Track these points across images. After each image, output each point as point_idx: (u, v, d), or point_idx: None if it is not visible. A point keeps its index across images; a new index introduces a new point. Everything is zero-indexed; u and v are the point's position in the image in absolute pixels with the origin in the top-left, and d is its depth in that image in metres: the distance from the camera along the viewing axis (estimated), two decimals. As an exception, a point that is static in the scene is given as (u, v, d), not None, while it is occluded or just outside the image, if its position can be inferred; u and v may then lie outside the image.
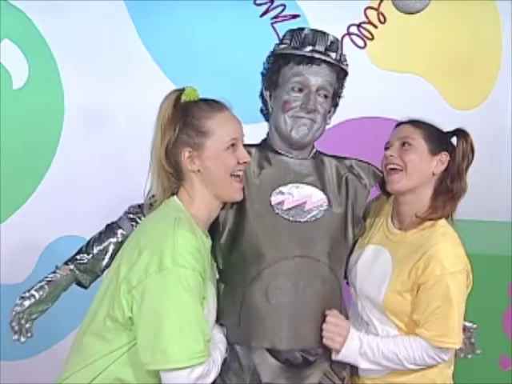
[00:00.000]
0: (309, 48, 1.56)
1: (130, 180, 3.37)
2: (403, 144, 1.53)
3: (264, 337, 1.50)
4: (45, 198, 2.88)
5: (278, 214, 1.55)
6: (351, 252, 1.67)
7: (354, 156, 1.76)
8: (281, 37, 1.68)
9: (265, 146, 1.67)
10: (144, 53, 3.28)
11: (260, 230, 1.54)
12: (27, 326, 1.62)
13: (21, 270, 2.78)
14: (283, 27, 2.16)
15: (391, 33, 3.15)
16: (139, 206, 1.68)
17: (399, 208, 1.57)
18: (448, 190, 1.52)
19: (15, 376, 2.67)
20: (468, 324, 1.74)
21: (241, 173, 1.47)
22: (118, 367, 1.32)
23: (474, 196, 2.73)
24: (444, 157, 1.53)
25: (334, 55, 1.59)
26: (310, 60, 1.55)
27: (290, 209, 1.56)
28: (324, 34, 1.61)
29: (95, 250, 1.72)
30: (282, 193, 1.57)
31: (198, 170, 1.40)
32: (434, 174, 1.54)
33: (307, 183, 1.60)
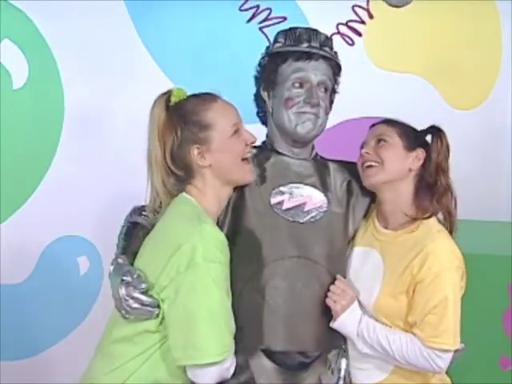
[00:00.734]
0: (305, 44, 1.58)
1: (130, 180, 3.37)
2: (378, 141, 1.54)
3: (259, 337, 1.49)
4: (45, 198, 2.88)
5: (277, 213, 1.55)
6: None
7: (354, 155, 1.76)
8: (271, 39, 1.69)
9: (265, 147, 1.67)
10: (144, 52, 3.29)
11: (259, 229, 1.54)
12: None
13: (21, 270, 2.78)
14: (272, 31, 2.19)
15: (391, 33, 3.15)
16: (142, 207, 1.66)
17: (381, 207, 1.57)
18: (429, 187, 1.52)
19: (15, 376, 2.67)
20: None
21: (249, 155, 1.48)
22: (150, 367, 1.32)
23: (474, 196, 2.74)
24: (420, 153, 1.54)
25: (329, 50, 1.60)
26: (309, 56, 1.56)
27: (289, 209, 1.56)
28: (316, 31, 1.62)
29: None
30: (281, 193, 1.57)
31: (210, 165, 1.40)
32: (410, 169, 1.54)
33: (308, 184, 1.60)
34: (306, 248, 1.53)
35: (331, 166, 1.69)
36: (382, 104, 3.12)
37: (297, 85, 1.56)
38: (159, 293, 1.29)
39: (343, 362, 1.55)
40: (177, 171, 1.40)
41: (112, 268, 1.44)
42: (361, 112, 3.12)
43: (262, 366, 1.47)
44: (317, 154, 1.70)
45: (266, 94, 1.65)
